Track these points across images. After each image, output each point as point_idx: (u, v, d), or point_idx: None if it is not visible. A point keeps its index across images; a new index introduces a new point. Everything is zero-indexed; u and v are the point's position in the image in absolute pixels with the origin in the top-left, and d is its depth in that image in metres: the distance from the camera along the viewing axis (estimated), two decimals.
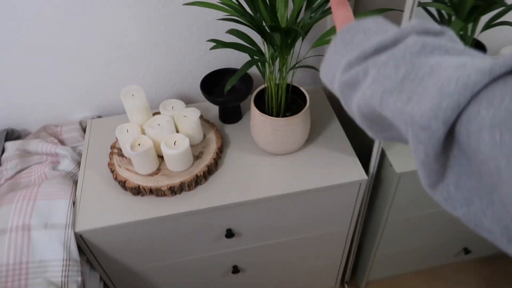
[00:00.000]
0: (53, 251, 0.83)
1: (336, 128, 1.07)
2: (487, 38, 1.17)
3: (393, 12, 0.84)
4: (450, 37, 0.36)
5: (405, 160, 0.97)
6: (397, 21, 0.99)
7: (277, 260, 1.14)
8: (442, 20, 0.90)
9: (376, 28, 0.40)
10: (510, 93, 0.26)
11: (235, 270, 1.12)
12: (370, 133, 0.41)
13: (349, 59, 0.38)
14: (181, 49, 1.06)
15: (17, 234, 0.83)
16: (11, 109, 1.09)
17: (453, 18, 0.81)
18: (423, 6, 0.81)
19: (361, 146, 1.10)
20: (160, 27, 1.00)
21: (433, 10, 0.90)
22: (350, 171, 0.95)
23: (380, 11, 0.72)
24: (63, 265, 0.84)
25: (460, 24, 0.78)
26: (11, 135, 1.09)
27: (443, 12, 0.86)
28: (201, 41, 1.05)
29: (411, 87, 0.32)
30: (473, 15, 0.85)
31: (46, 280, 0.81)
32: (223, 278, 1.16)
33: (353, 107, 0.39)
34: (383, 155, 0.99)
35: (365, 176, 0.94)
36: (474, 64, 0.29)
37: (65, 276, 0.83)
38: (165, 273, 1.08)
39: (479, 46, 1.11)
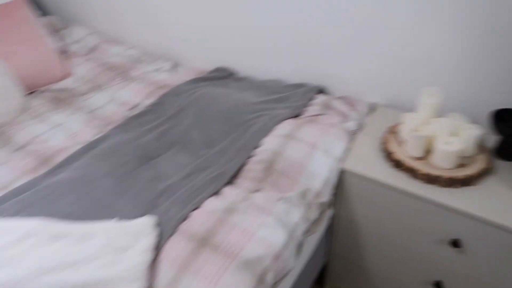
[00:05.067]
0: (321, 170, 1.11)
1: None
2: None
3: None
4: None
5: None
6: None
7: None
8: None
9: None
10: None
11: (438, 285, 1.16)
12: None
13: None
14: (486, 78, 1.17)
15: (306, 146, 1.14)
16: (326, 77, 1.45)
17: None
18: None
19: None
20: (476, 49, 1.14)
21: None
22: None
23: None
24: (323, 182, 1.10)
25: None
26: (319, 91, 1.46)
27: None
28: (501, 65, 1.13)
29: None
30: None
31: (310, 186, 1.08)
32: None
33: None
34: None
35: None
36: None
37: (322, 190, 1.09)
38: (379, 261, 1.23)
39: None
